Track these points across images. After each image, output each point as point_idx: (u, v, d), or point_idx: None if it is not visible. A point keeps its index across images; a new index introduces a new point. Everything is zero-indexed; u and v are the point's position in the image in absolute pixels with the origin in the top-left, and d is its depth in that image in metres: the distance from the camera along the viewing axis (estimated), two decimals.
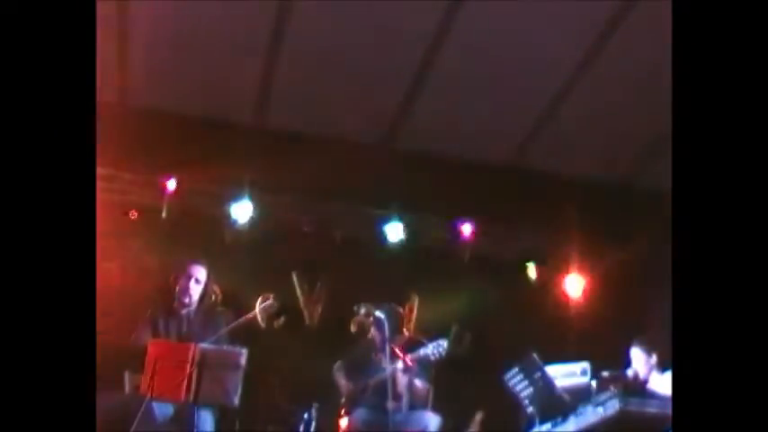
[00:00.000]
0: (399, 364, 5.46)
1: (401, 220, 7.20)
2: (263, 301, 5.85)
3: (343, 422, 5.69)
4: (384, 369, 5.37)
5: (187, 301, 5.17)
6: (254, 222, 6.91)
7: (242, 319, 5.09)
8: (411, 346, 5.64)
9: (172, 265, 5.54)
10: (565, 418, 4.92)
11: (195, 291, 5.20)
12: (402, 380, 5.41)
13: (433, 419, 5.52)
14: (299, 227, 7.11)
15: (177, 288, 5.20)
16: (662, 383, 5.27)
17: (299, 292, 7.33)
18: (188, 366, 4.44)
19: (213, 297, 5.35)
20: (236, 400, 4.53)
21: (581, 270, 7.85)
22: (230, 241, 6.84)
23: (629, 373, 5.39)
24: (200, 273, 5.24)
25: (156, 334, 5.05)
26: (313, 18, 5.95)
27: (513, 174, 7.42)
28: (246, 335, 5.18)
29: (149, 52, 6.25)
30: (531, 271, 7.71)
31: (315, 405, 5.62)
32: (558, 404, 5.02)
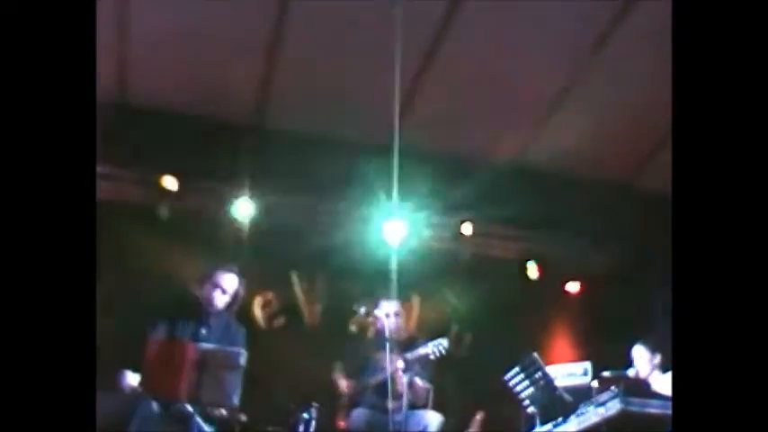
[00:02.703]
0: (399, 364, 5.46)
1: (401, 219, 7.19)
2: (262, 301, 5.87)
3: (343, 422, 5.69)
4: (384, 369, 5.37)
5: (211, 309, 5.06)
6: (254, 222, 6.91)
7: None
8: (411, 346, 5.64)
9: (171, 266, 5.53)
10: (566, 418, 4.92)
11: (220, 300, 5.06)
12: (402, 380, 5.41)
13: (433, 419, 5.52)
14: (299, 227, 7.10)
15: (201, 294, 5.08)
16: (665, 384, 5.26)
17: (298, 291, 7.32)
18: (188, 366, 4.44)
19: None
20: (236, 400, 4.53)
21: (581, 270, 7.85)
22: (230, 241, 6.84)
23: (631, 373, 5.39)
24: (228, 281, 5.08)
25: (171, 335, 4.97)
26: (313, 18, 5.94)
27: (513, 174, 7.41)
28: (246, 335, 5.17)
29: (149, 52, 6.25)
30: (531, 271, 7.70)
31: (315, 405, 5.61)
32: (558, 404, 5.03)
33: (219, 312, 5.10)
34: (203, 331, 5.00)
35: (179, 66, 6.39)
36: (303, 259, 7.20)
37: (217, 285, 5.06)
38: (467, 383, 6.55)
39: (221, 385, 4.47)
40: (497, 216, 7.47)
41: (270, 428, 5.76)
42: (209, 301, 5.04)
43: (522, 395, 5.21)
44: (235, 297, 5.13)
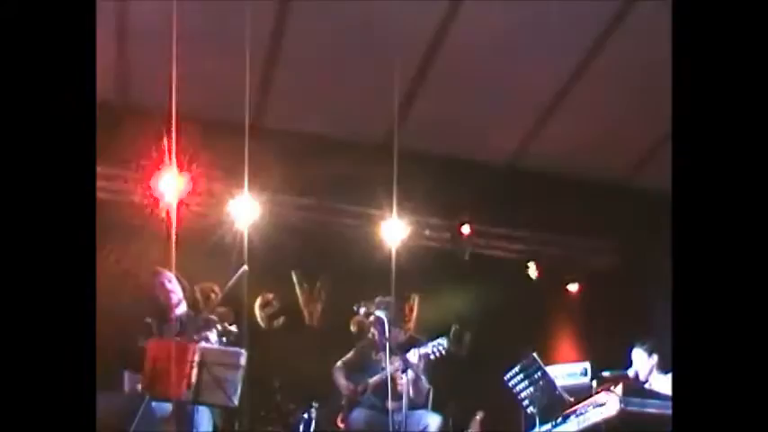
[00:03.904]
0: (399, 364, 5.46)
1: (401, 220, 7.20)
2: (263, 302, 5.87)
3: (343, 422, 5.69)
4: (384, 369, 5.37)
5: (176, 300, 5.23)
6: (254, 222, 6.90)
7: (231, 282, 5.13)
8: (411, 346, 5.64)
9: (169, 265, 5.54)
10: (566, 418, 4.92)
11: (177, 290, 5.28)
12: (402, 380, 5.41)
13: (433, 419, 5.52)
14: (299, 227, 7.10)
15: (163, 294, 5.26)
16: (664, 384, 5.26)
17: (298, 291, 7.32)
18: (188, 366, 4.45)
19: (212, 296, 5.36)
20: (236, 400, 4.53)
21: (581, 270, 7.86)
22: (230, 241, 6.83)
23: (631, 373, 5.38)
24: (169, 276, 5.32)
25: (156, 334, 5.05)
26: (312, 18, 5.94)
27: (513, 174, 7.42)
28: (246, 335, 5.18)
29: (149, 52, 6.24)
30: (531, 271, 7.70)
31: (315, 405, 5.62)
32: (558, 404, 5.02)
33: (181, 305, 5.30)
34: (178, 325, 5.15)
35: (179, 66, 6.38)
36: (303, 259, 7.20)
37: (164, 280, 5.28)
38: (467, 383, 6.55)
39: (221, 385, 4.48)
40: (497, 216, 7.49)
41: (270, 428, 5.76)
42: (171, 293, 5.25)
43: (522, 395, 5.21)
44: (183, 288, 5.34)
